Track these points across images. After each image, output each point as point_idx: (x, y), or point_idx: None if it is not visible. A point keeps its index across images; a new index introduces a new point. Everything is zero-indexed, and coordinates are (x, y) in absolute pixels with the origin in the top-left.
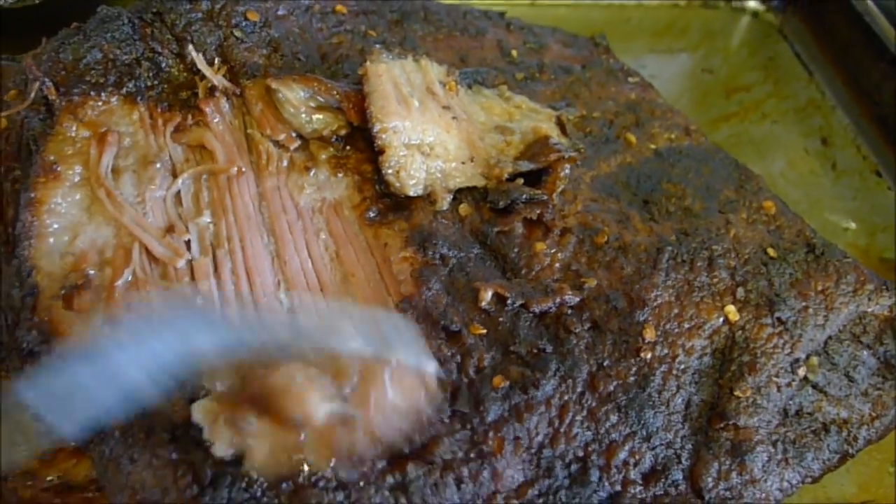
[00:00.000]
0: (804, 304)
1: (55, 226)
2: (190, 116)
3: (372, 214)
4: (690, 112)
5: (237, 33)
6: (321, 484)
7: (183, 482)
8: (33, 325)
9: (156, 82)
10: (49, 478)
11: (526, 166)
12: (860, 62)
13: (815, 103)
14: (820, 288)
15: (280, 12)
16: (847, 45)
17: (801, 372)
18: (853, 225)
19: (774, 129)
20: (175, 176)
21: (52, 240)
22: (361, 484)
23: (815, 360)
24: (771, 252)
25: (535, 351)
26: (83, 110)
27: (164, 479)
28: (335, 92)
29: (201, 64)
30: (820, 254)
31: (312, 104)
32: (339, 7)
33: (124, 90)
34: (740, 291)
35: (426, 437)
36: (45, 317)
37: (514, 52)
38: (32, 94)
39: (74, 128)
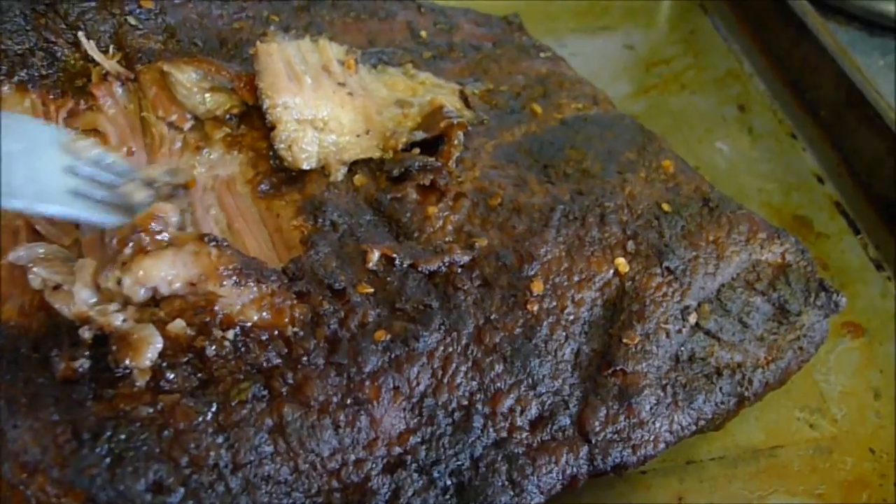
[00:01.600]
0: (694, 253)
1: None
2: (83, 102)
3: (265, 187)
4: (609, 86)
5: (131, 20)
6: (201, 427)
7: (62, 438)
8: None
9: (50, 71)
10: None
11: (419, 136)
12: (773, 30)
13: (733, 73)
14: (711, 238)
15: (177, 0)
16: (761, 14)
17: (692, 319)
18: (767, 185)
19: (693, 100)
20: None
21: None
22: (240, 426)
23: (706, 307)
24: (665, 207)
25: (420, 307)
26: None
27: (43, 438)
28: (226, 73)
29: (92, 50)
30: (714, 206)
31: (205, 85)
32: None
33: (16, 79)
34: (630, 244)
35: (298, 375)
36: None
37: (424, 34)
38: None
39: None
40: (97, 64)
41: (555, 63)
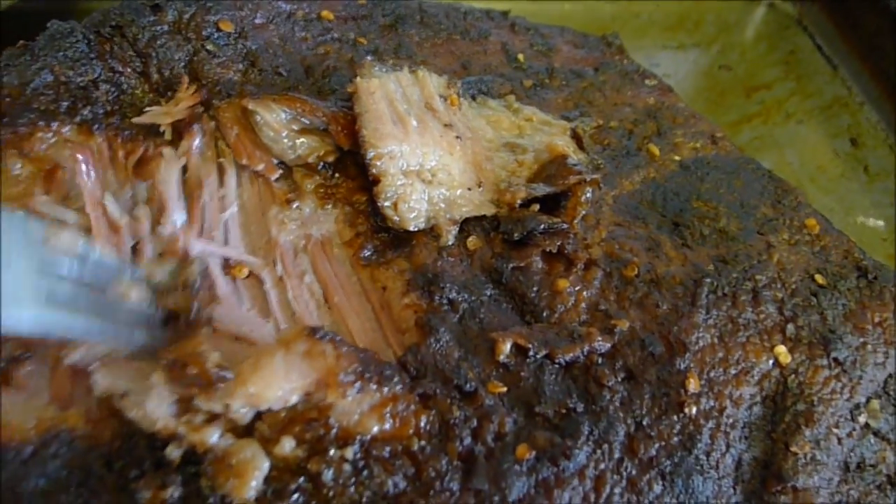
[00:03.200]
0: (862, 339)
1: None
2: (152, 146)
3: (367, 253)
4: (709, 113)
5: (209, 46)
6: None
7: None
8: None
9: (116, 107)
10: None
11: (542, 190)
12: (888, 54)
13: (841, 100)
14: (877, 320)
15: (258, 20)
16: (873, 35)
17: (862, 419)
18: (892, 235)
19: (800, 130)
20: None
21: None
22: None
23: (875, 403)
24: (819, 279)
25: (563, 411)
26: (30, 144)
27: None
28: (321, 113)
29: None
30: (873, 279)
31: (295, 127)
32: (324, 12)
33: (78, 118)
34: (790, 328)
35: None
36: None
37: (521, 56)
38: None
39: (19, 165)
40: (168, 97)
41: (663, 93)
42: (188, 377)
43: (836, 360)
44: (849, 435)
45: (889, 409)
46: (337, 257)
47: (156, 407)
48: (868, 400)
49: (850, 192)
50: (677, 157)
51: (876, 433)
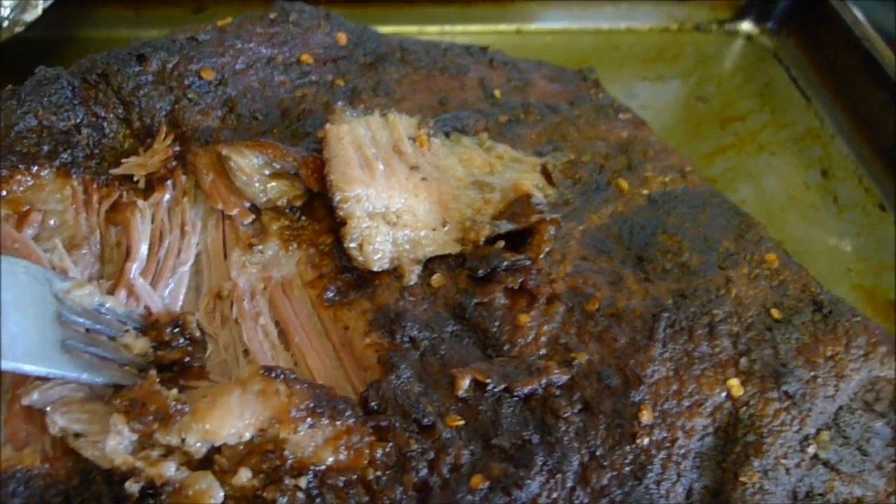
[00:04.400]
0: (813, 373)
1: None
2: (126, 194)
3: (330, 294)
4: (685, 144)
5: (190, 95)
6: None
7: None
8: None
9: (96, 151)
10: None
11: (505, 227)
12: (860, 89)
13: (814, 132)
14: (829, 353)
15: (238, 66)
16: (846, 70)
17: (811, 450)
18: (858, 265)
19: (772, 161)
20: (102, 263)
21: None
22: None
23: (825, 434)
24: (775, 313)
25: (519, 443)
26: (9, 185)
27: None
28: (291, 158)
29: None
30: (828, 313)
31: (267, 171)
32: (304, 56)
33: (58, 161)
34: (744, 361)
35: None
36: None
37: (497, 92)
38: None
39: None
40: (147, 144)
41: (636, 127)
42: (148, 414)
43: (786, 392)
44: (797, 465)
45: (839, 440)
46: (298, 298)
47: (115, 446)
48: (818, 431)
49: (820, 222)
50: (646, 192)
51: (825, 464)
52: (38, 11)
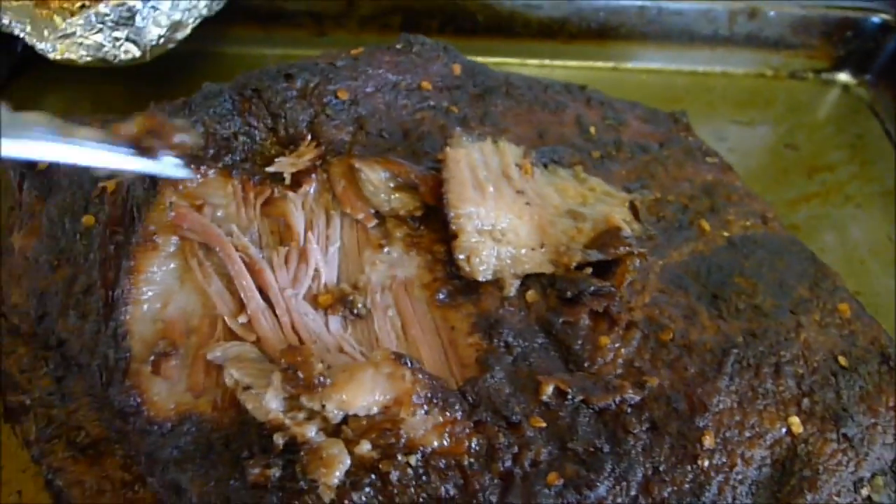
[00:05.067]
0: (873, 420)
1: (149, 293)
2: (276, 190)
3: (441, 296)
4: (770, 190)
5: (327, 111)
6: None
7: None
8: (124, 388)
9: (249, 155)
10: None
11: (595, 256)
12: None
13: None
14: (891, 404)
15: (368, 90)
16: None
17: (865, 492)
18: None
19: (857, 214)
20: (261, 248)
21: (145, 306)
22: None
23: (880, 479)
24: (842, 360)
25: (591, 449)
26: (183, 182)
27: None
28: (414, 175)
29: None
30: (894, 365)
31: (392, 184)
32: (424, 83)
33: (221, 163)
34: (806, 402)
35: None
36: (135, 380)
37: (593, 129)
38: None
39: (174, 198)
40: (289, 151)
41: (722, 171)
42: (298, 379)
43: (845, 435)
44: None
45: (893, 486)
46: (416, 297)
47: (270, 399)
48: (873, 476)
49: None
50: (726, 234)
51: None
52: (188, 31)
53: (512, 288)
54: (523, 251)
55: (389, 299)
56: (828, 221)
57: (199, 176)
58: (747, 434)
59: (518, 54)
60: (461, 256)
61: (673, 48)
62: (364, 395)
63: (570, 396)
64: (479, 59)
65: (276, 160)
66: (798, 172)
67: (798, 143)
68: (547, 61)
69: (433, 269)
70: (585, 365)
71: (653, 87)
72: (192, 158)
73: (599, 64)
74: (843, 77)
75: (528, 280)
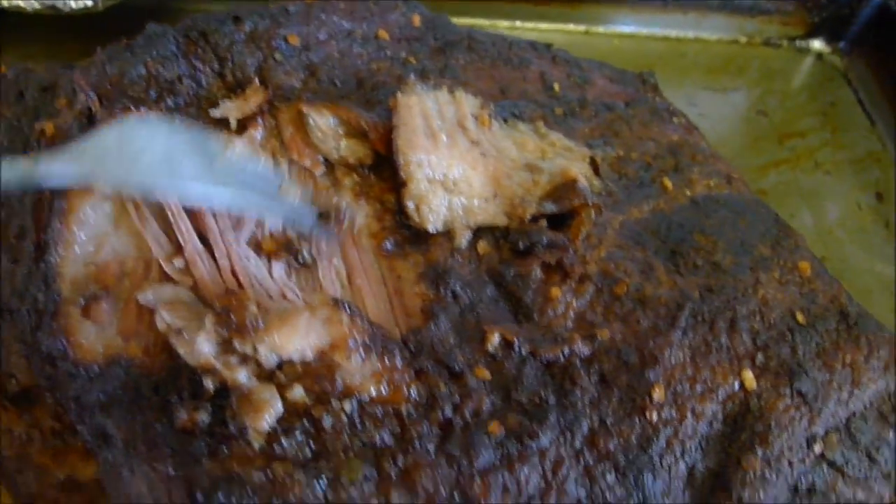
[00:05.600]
0: (828, 376)
1: (82, 235)
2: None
3: (389, 246)
4: (739, 155)
5: (277, 56)
6: (309, 501)
7: (176, 495)
8: (52, 331)
9: (194, 99)
10: (59, 475)
11: (549, 208)
12: None
13: (874, 155)
14: (848, 361)
15: (321, 36)
16: None
17: (818, 448)
18: None
19: (826, 180)
20: None
21: (77, 249)
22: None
23: (834, 436)
24: (800, 317)
25: (536, 401)
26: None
27: (158, 491)
28: (364, 122)
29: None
30: (853, 324)
31: (341, 131)
32: (381, 33)
33: (163, 106)
34: (760, 357)
35: (409, 460)
36: (63, 323)
37: (557, 86)
38: (78, 105)
39: None
40: (237, 96)
41: (688, 131)
42: (231, 322)
43: (799, 391)
44: (801, 461)
45: (847, 443)
46: (363, 246)
47: (202, 343)
48: (827, 432)
49: (868, 245)
50: (689, 193)
51: (830, 464)
52: None
53: (463, 239)
54: (476, 202)
55: (335, 247)
56: (796, 188)
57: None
58: (699, 388)
59: (488, 15)
60: (410, 204)
61: (646, 12)
62: (298, 339)
63: (516, 347)
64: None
65: (221, 104)
66: (768, 139)
67: (770, 111)
68: (518, 23)
69: (382, 219)
70: (535, 317)
71: (625, 52)
72: (132, 100)
73: (571, 27)
74: (818, 45)
75: (480, 232)
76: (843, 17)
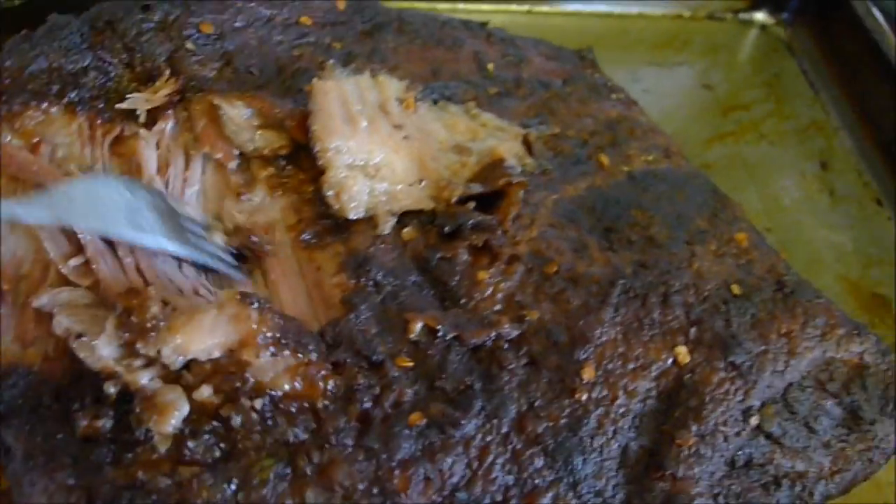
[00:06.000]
0: (763, 347)
1: None
2: (127, 128)
3: (307, 237)
4: (683, 130)
5: (189, 45)
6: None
7: None
8: None
9: (101, 92)
10: None
11: (476, 189)
12: (867, 83)
13: (817, 125)
14: (784, 331)
15: (238, 24)
16: (855, 64)
17: (754, 421)
18: (847, 257)
19: (771, 151)
20: None
21: None
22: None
23: (771, 408)
24: (735, 289)
25: (461, 388)
26: (20, 120)
27: (57, 502)
28: (278, 110)
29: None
30: (789, 292)
31: (256, 122)
32: (303, 18)
33: (66, 100)
34: (694, 331)
35: (325, 456)
36: None
37: (491, 66)
38: None
39: (9, 138)
40: (148, 88)
41: (627, 107)
42: (132, 324)
43: (733, 363)
44: (737, 434)
45: (785, 414)
46: (279, 240)
47: (102, 346)
48: (763, 404)
49: (813, 213)
50: (626, 168)
51: (767, 436)
52: None
53: (386, 225)
54: (399, 187)
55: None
56: (741, 160)
57: (38, 114)
58: (631, 366)
59: None
60: (329, 193)
61: None
62: (203, 338)
63: (440, 334)
64: (385, 2)
65: (129, 96)
66: (713, 112)
67: (714, 84)
68: (459, 5)
69: (300, 210)
70: (462, 302)
71: (567, 31)
72: (32, 94)
73: (514, 7)
74: (761, 17)
75: (406, 217)
76: None
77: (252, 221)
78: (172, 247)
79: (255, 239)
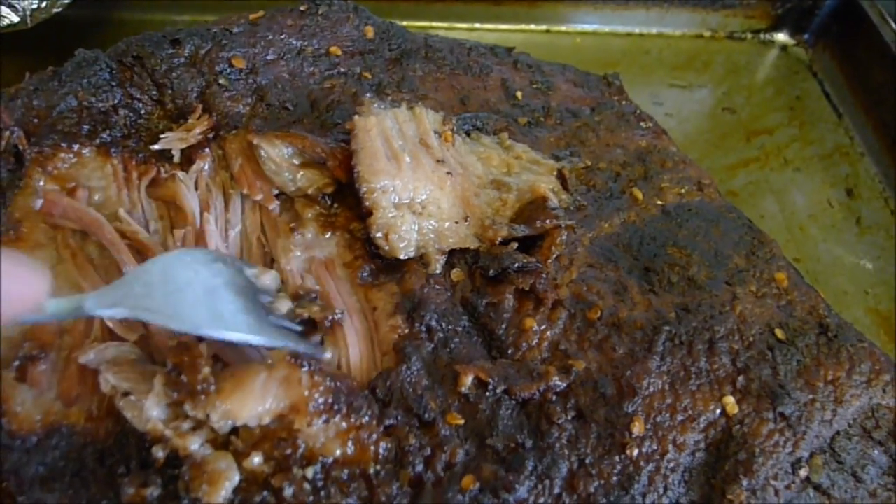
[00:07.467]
0: (811, 396)
1: None
2: (164, 169)
3: (364, 274)
4: (708, 155)
5: (221, 81)
6: None
7: None
8: None
9: (132, 131)
10: None
11: (521, 231)
12: (891, 106)
13: (842, 149)
14: (830, 378)
15: (269, 57)
16: (880, 87)
17: (803, 473)
18: (876, 288)
19: (797, 177)
20: (149, 234)
21: None
22: None
23: (819, 458)
24: (779, 333)
25: (512, 445)
26: (53, 162)
27: None
28: (320, 149)
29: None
30: (833, 336)
31: (297, 161)
32: (333, 48)
33: (98, 140)
34: (741, 380)
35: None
36: None
37: (520, 94)
38: (3, 143)
39: (42, 181)
40: (179, 125)
41: (656, 136)
42: (182, 384)
43: (781, 414)
44: (787, 487)
45: (832, 465)
46: (339, 277)
47: (151, 407)
48: (812, 455)
49: (841, 241)
50: (660, 202)
51: (816, 487)
52: None
53: (437, 264)
54: (447, 224)
55: (310, 282)
56: (766, 186)
57: (71, 156)
58: (679, 417)
59: (445, 18)
60: (378, 234)
61: (608, 9)
62: (253, 404)
63: (491, 387)
64: (403, 24)
65: (162, 136)
66: (736, 136)
67: (736, 107)
68: (477, 25)
69: (353, 248)
70: (509, 351)
71: (587, 51)
72: (63, 135)
73: (532, 27)
74: (782, 37)
75: (453, 257)
76: (807, 9)
77: (310, 256)
78: (257, 341)
79: (327, 319)
